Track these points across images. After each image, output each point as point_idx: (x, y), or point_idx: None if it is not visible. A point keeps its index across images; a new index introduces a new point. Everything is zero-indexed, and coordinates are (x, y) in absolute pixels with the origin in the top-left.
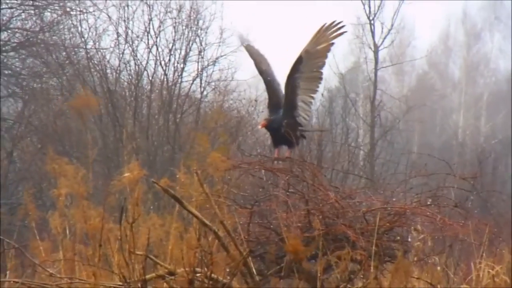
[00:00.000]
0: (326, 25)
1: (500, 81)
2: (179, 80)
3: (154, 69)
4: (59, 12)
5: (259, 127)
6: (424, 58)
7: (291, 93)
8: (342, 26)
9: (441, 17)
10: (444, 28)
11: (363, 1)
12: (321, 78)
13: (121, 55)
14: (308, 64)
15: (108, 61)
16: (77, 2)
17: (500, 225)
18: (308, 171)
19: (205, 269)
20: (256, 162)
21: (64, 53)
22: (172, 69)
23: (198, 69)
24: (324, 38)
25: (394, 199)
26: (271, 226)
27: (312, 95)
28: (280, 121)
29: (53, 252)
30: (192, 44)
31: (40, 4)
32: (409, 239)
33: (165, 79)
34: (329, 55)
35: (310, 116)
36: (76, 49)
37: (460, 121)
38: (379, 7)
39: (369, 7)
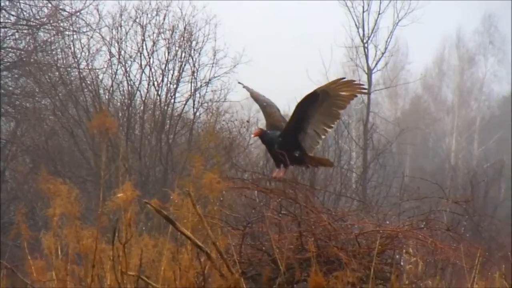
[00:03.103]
0: (348, 79)
1: (493, 105)
2: (172, 100)
3: (147, 89)
4: (53, 32)
5: (252, 135)
6: (417, 82)
7: (301, 118)
8: (364, 88)
9: (435, 41)
10: (438, 52)
11: (357, 24)
12: (339, 118)
13: (114, 75)
14: (326, 102)
15: (101, 81)
16: (70, 22)
17: (492, 249)
18: (300, 193)
19: None
20: (250, 182)
21: (57, 73)
22: (165, 89)
23: (191, 90)
24: (348, 87)
25: (386, 222)
26: (263, 248)
27: (326, 129)
28: (275, 138)
29: (46, 272)
30: (185, 65)
31: (33, 24)
32: (401, 262)
33: (158, 100)
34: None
35: (316, 145)
36: (69, 69)
37: (452, 145)
38: (373, 30)
39: (363, 30)
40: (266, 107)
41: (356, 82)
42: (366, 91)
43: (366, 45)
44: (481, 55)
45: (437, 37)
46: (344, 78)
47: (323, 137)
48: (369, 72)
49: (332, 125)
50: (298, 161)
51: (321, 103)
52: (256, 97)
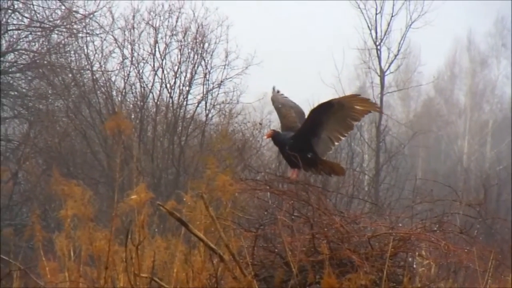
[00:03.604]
0: (365, 97)
1: (505, 108)
2: (185, 102)
3: (160, 91)
4: (66, 34)
5: (265, 137)
6: (430, 84)
7: (314, 124)
8: (378, 107)
9: (448, 43)
10: (449, 55)
11: (370, 26)
12: (351, 128)
13: (126, 77)
14: (340, 112)
15: (114, 83)
16: (83, 24)
17: (505, 251)
18: (313, 195)
19: None
20: (263, 183)
21: (70, 75)
22: (178, 91)
23: (203, 91)
24: (363, 104)
25: (399, 225)
26: (276, 250)
27: (340, 136)
28: (286, 139)
29: (59, 273)
30: (197, 66)
31: (47, 26)
32: (414, 265)
33: (171, 102)
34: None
35: (329, 151)
36: (82, 71)
37: (465, 147)
38: (385, 32)
39: (376, 32)
40: (281, 108)
41: (371, 101)
42: (379, 109)
43: (378, 47)
44: (494, 58)
45: (449, 39)
46: (360, 95)
47: (336, 143)
48: (382, 74)
49: (346, 134)
50: (310, 164)
51: (335, 113)
52: (274, 99)
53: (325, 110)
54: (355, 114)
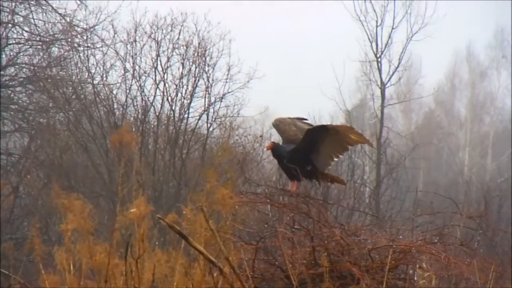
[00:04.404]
0: (360, 132)
1: (506, 119)
2: (186, 116)
3: (161, 104)
4: (67, 48)
5: (265, 148)
6: (431, 96)
7: (312, 142)
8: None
9: (448, 55)
10: (450, 67)
11: (371, 39)
12: (347, 150)
13: (128, 91)
14: (335, 136)
15: (115, 96)
16: (84, 37)
17: (505, 264)
18: (313, 208)
19: None
20: (263, 196)
21: (71, 88)
22: (179, 104)
23: (204, 105)
24: (357, 136)
25: (400, 237)
26: (276, 263)
27: (338, 154)
28: (285, 152)
29: (59, 287)
30: (199, 80)
31: (47, 39)
32: (415, 277)
33: (172, 115)
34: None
35: (329, 166)
36: (83, 84)
37: (466, 159)
38: (386, 45)
39: (377, 44)
40: (279, 125)
41: (364, 136)
42: (371, 144)
43: (379, 59)
44: (494, 69)
45: (449, 51)
46: (354, 128)
47: (335, 159)
48: (383, 87)
49: (341, 155)
50: (310, 176)
51: (331, 135)
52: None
53: (320, 133)
54: (349, 141)
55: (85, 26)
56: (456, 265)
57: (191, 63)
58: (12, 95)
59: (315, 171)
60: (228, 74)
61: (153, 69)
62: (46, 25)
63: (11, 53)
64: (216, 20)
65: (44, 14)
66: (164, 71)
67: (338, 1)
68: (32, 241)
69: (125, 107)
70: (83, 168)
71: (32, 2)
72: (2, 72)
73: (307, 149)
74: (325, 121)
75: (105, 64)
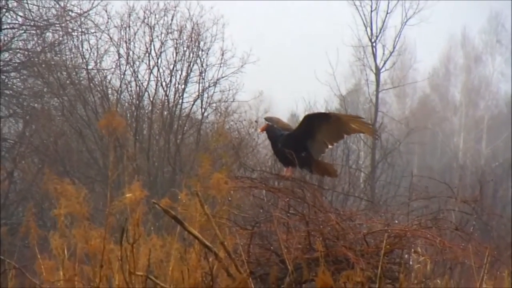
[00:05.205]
0: (366, 120)
1: (501, 104)
2: (180, 101)
3: (155, 90)
4: (61, 33)
5: (259, 130)
6: (425, 81)
7: (309, 127)
8: (376, 135)
9: (442, 40)
10: (444, 51)
11: (365, 23)
12: (342, 138)
13: (122, 76)
14: (335, 124)
15: (109, 82)
16: (78, 22)
17: (501, 248)
18: (309, 193)
19: None
20: (258, 181)
21: (65, 74)
22: (173, 90)
23: (199, 90)
24: (361, 125)
25: (395, 222)
26: (272, 248)
27: (333, 141)
28: (279, 135)
29: (54, 272)
30: (193, 65)
31: (41, 24)
32: (410, 262)
33: (166, 100)
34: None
35: (323, 153)
36: (77, 69)
37: (460, 144)
38: (381, 29)
39: (371, 29)
40: (272, 117)
41: (370, 127)
42: (375, 137)
43: (374, 44)
44: (488, 54)
45: (444, 36)
46: (363, 118)
47: (330, 146)
48: (377, 72)
49: (335, 143)
50: (304, 163)
51: (330, 123)
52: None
53: (320, 119)
54: (348, 129)
55: (79, 11)
56: (451, 250)
57: (184, 48)
58: (6, 81)
59: (309, 158)
60: (222, 59)
61: (147, 55)
62: (40, 10)
63: (5, 38)
64: (209, 4)
65: None
66: (158, 56)
67: None
68: (28, 225)
69: (119, 92)
70: (78, 153)
71: None
72: None
73: (303, 135)
74: (320, 106)
75: (99, 49)
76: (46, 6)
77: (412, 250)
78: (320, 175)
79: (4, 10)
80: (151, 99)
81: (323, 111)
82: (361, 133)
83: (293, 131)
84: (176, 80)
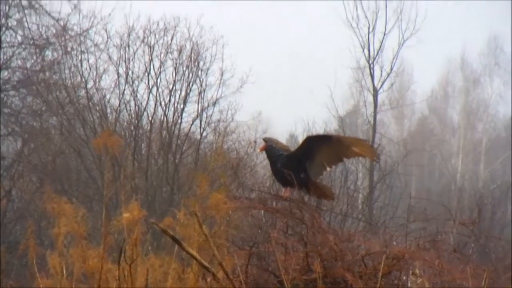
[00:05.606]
0: (369, 144)
1: (499, 127)
2: (179, 120)
3: (154, 109)
4: (60, 52)
5: (258, 150)
6: (424, 102)
7: (310, 149)
8: (378, 158)
9: (441, 61)
10: (443, 73)
11: (363, 45)
12: (341, 161)
13: (121, 95)
14: (335, 147)
15: (108, 101)
16: (78, 42)
17: (499, 270)
18: (307, 213)
19: None
20: (257, 201)
21: (64, 92)
22: (172, 109)
23: (198, 110)
24: (363, 148)
25: (393, 243)
26: (270, 268)
27: (332, 164)
28: (279, 156)
29: None
30: (192, 85)
31: (41, 43)
32: (408, 283)
33: (165, 120)
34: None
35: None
36: (76, 88)
37: (459, 166)
38: (378, 51)
39: (369, 51)
40: (271, 138)
41: (373, 150)
42: (377, 160)
43: (371, 65)
44: (487, 76)
45: (442, 58)
46: (366, 141)
47: (328, 169)
48: (375, 93)
49: (334, 166)
50: (302, 184)
51: (331, 145)
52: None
53: (321, 140)
54: (348, 153)
55: (78, 30)
56: (449, 272)
57: (184, 68)
58: (5, 99)
59: (307, 180)
60: (221, 79)
61: (146, 74)
62: (40, 29)
63: (5, 57)
64: (209, 25)
65: (38, 18)
66: (157, 76)
67: (330, 8)
68: (27, 243)
69: (118, 111)
70: (76, 172)
71: (26, 5)
72: None
73: (302, 156)
74: (319, 127)
75: (98, 68)
76: (45, 25)
77: (410, 272)
78: (317, 197)
79: (4, 28)
80: (150, 118)
81: (322, 132)
82: (362, 156)
83: (294, 151)
84: (175, 99)
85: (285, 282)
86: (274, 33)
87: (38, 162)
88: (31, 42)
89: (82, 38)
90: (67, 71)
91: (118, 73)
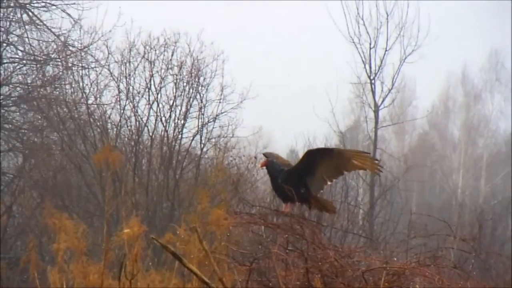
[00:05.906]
0: (371, 156)
1: (499, 142)
2: (179, 136)
3: (155, 125)
4: (61, 67)
5: (259, 165)
6: (424, 118)
7: (311, 163)
8: (380, 171)
9: (441, 76)
10: (444, 89)
11: (364, 61)
12: (342, 175)
13: (122, 111)
14: (336, 160)
15: (109, 117)
16: (79, 57)
17: (499, 286)
18: (307, 229)
19: None
20: (257, 216)
21: (65, 108)
22: (173, 125)
23: (198, 125)
24: (365, 161)
25: (393, 259)
26: (270, 284)
27: (332, 178)
28: (280, 171)
29: None
30: (192, 100)
31: (41, 59)
32: None
33: (166, 135)
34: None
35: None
36: (77, 104)
37: (459, 182)
38: (379, 66)
39: (370, 66)
40: (272, 153)
41: (375, 163)
42: (378, 172)
43: (373, 81)
44: (488, 92)
45: (443, 73)
46: (368, 153)
47: (329, 183)
48: (376, 109)
49: (334, 180)
50: (302, 198)
51: (331, 159)
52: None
53: (322, 153)
54: (349, 166)
55: (79, 46)
56: None
57: (184, 84)
58: (6, 115)
59: (308, 195)
60: (221, 95)
61: (147, 90)
62: (41, 44)
63: (6, 72)
64: (209, 40)
65: (39, 34)
66: (157, 91)
67: (332, 24)
68: (28, 258)
69: (119, 127)
70: (77, 188)
71: (27, 21)
72: None
73: (303, 171)
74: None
75: (99, 84)
76: (46, 40)
77: (411, 287)
78: (319, 210)
79: (4, 44)
80: (151, 134)
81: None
82: (362, 169)
83: (294, 166)
84: (175, 115)
85: None
86: (274, 48)
87: (39, 177)
88: (32, 57)
89: (83, 54)
90: (68, 87)
91: (119, 89)
